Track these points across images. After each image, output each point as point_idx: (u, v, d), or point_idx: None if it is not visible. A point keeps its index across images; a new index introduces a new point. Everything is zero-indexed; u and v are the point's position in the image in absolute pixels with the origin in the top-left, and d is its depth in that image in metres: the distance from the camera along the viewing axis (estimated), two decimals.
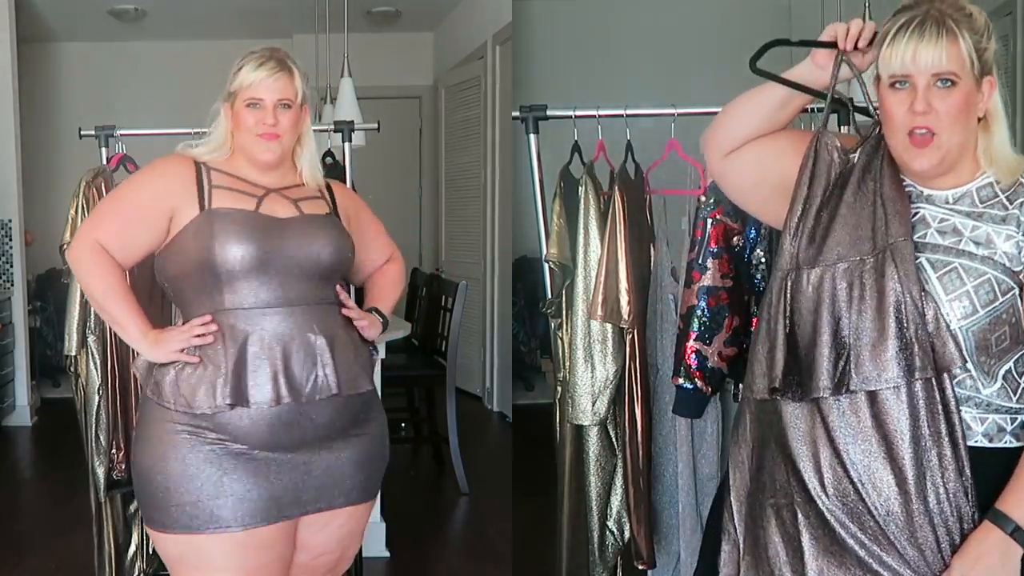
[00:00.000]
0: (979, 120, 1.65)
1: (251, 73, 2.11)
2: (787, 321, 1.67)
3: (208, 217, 2.03)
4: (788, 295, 1.68)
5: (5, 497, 4.72)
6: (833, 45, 1.72)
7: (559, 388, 2.66)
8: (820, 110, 2.67)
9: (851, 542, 1.61)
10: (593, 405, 2.52)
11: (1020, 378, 1.62)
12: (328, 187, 2.26)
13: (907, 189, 1.69)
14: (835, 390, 1.61)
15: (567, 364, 2.58)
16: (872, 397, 1.60)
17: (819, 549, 1.64)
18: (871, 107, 1.72)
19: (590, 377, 2.51)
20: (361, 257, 2.27)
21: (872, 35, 1.69)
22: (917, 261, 1.61)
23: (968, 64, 1.60)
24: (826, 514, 1.63)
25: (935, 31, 1.59)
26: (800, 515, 1.65)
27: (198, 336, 2.00)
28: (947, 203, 1.66)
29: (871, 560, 1.60)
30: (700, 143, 1.86)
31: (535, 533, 3.57)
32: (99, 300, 2.10)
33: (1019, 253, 1.61)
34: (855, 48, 1.70)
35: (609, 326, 2.48)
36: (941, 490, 1.58)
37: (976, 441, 1.61)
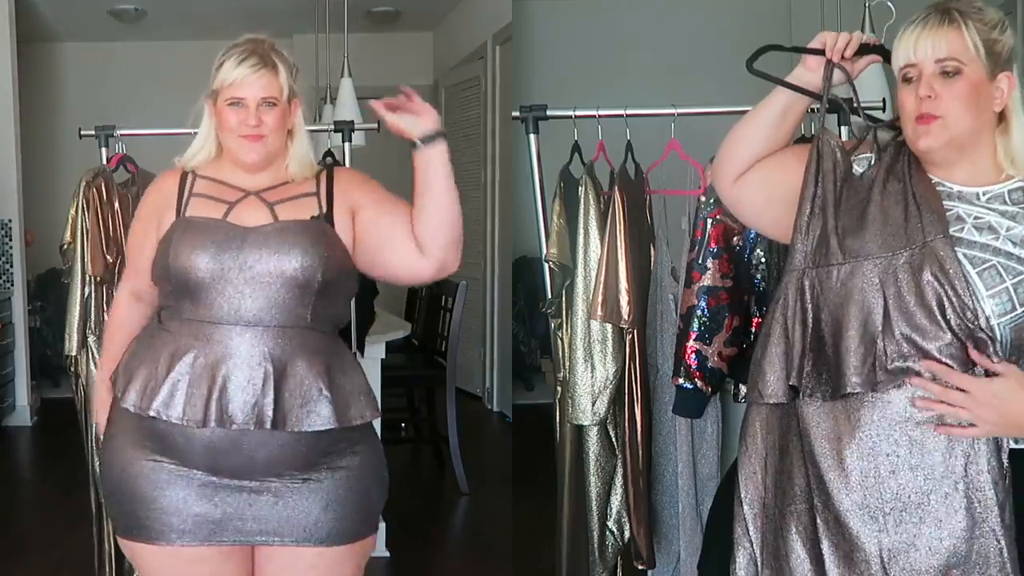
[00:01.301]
0: (1000, 119, 1.66)
1: (232, 70, 1.96)
2: (808, 319, 1.66)
3: (177, 225, 1.96)
4: (808, 293, 1.67)
5: (5, 497, 4.72)
6: (823, 52, 1.74)
7: (559, 388, 2.66)
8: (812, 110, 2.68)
9: (870, 545, 1.60)
10: (593, 405, 2.52)
11: None
12: (331, 176, 2.06)
13: (938, 188, 1.68)
14: (864, 385, 1.60)
15: (567, 364, 2.58)
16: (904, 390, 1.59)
17: (839, 556, 1.63)
18: (860, 111, 1.75)
19: (590, 377, 2.51)
20: (395, 239, 1.99)
21: (859, 46, 1.72)
22: (956, 256, 1.60)
23: (972, 52, 1.61)
24: (847, 516, 1.61)
25: (937, 20, 1.62)
26: (819, 520, 1.64)
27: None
28: (979, 200, 1.66)
29: (889, 562, 1.59)
30: (711, 173, 1.86)
31: (535, 533, 3.57)
32: (105, 337, 2.19)
33: None
34: (842, 58, 1.72)
35: (609, 326, 2.48)
36: (980, 478, 1.57)
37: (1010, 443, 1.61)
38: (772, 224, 1.82)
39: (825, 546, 1.64)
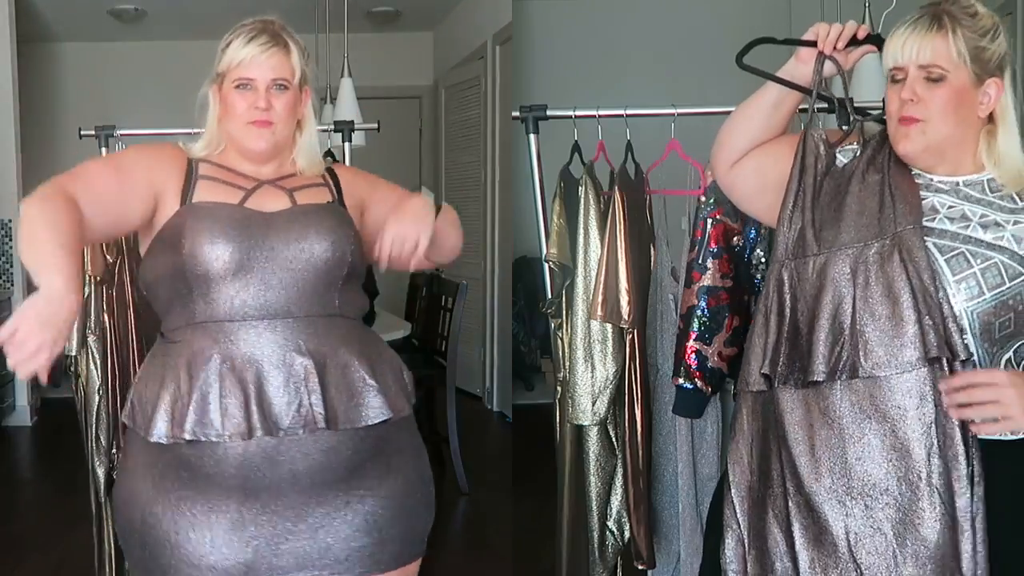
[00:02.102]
0: (989, 121, 1.67)
1: (240, 49, 1.80)
2: (786, 310, 1.69)
3: (185, 212, 1.76)
4: (786, 283, 1.70)
5: (5, 497, 4.72)
6: (815, 44, 1.75)
7: (559, 388, 2.66)
8: (805, 110, 2.67)
9: (837, 528, 1.62)
10: (593, 405, 2.51)
11: (1019, 367, 1.65)
12: (333, 173, 1.96)
13: (917, 179, 1.71)
14: (829, 375, 1.62)
15: (567, 364, 2.58)
16: (875, 380, 1.60)
17: (808, 538, 1.65)
18: (848, 105, 1.77)
19: (590, 377, 2.51)
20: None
21: (852, 36, 1.74)
22: (925, 245, 1.62)
23: (957, 59, 1.61)
24: (816, 499, 1.64)
25: (926, 24, 1.62)
26: (791, 503, 1.67)
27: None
28: (957, 187, 1.68)
29: (855, 545, 1.61)
30: (709, 158, 1.89)
31: (535, 533, 3.57)
32: (27, 230, 1.56)
33: None
34: (835, 49, 1.74)
35: (609, 326, 2.48)
36: (948, 467, 1.58)
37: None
38: (766, 210, 1.84)
39: (796, 528, 1.66)
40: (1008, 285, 1.60)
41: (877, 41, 1.76)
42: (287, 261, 1.73)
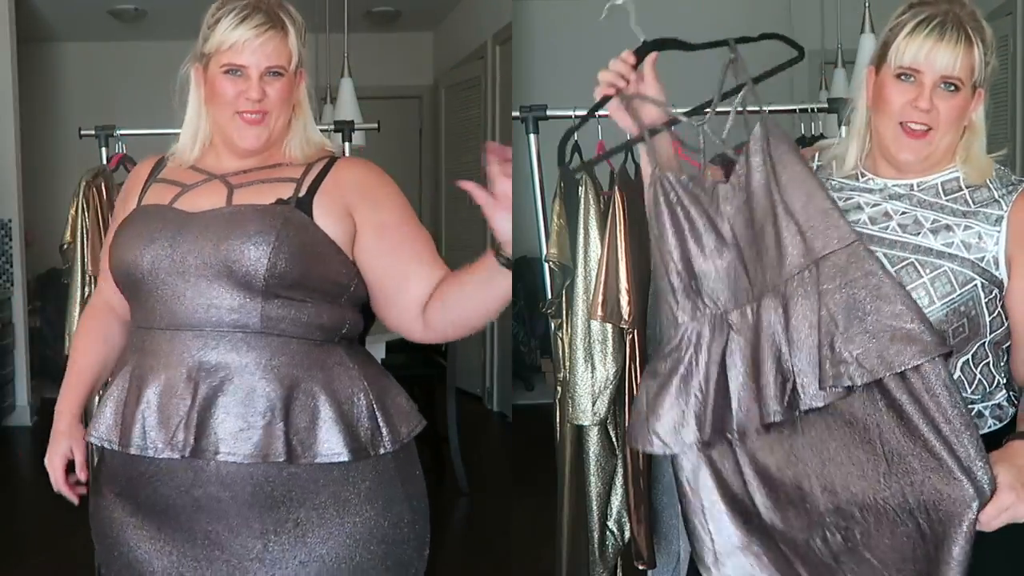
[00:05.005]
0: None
1: (231, 31, 1.60)
2: (713, 370, 1.59)
3: (126, 218, 1.69)
4: (708, 346, 1.60)
5: (5, 497, 4.72)
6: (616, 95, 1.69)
7: (559, 388, 2.65)
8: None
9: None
10: (593, 405, 2.51)
11: (976, 369, 1.64)
12: (330, 165, 1.70)
13: (867, 183, 1.69)
14: (785, 413, 1.54)
15: (567, 364, 2.58)
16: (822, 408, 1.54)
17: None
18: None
19: (590, 377, 2.51)
20: (394, 290, 1.63)
21: (630, 63, 1.72)
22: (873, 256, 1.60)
23: (972, 73, 1.61)
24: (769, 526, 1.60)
25: (955, 35, 1.59)
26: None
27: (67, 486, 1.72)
28: (912, 191, 1.67)
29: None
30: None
31: (535, 533, 3.57)
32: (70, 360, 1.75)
33: (978, 241, 1.61)
34: (634, 69, 1.70)
35: (609, 326, 2.48)
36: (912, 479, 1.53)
37: None
38: None
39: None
40: (959, 292, 1.60)
41: (650, 47, 1.70)
42: (195, 268, 1.55)
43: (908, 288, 1.57)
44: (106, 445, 1.61)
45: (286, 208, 1.60)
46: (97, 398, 1.76)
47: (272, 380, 1.55)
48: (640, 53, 1.70)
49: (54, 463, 1.71)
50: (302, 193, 1.63)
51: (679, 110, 1.77)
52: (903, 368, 1.47)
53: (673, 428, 1.60)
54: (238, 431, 1.53)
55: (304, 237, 1.58)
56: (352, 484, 1.61)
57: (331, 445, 1.57)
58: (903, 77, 1.63)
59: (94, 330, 1.77)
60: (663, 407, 1.61)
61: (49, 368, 6.70)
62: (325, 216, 1.63)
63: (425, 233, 1.70)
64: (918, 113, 1.61)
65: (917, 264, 1.61)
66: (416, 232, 1.69)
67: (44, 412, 6.32)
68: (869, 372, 1.48)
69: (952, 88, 1.61)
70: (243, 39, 1.60)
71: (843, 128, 2.27)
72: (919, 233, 1.63)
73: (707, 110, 1.71)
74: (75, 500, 1.73)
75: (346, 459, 1.58)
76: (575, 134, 2.10)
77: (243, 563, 1.58)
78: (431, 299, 1.62)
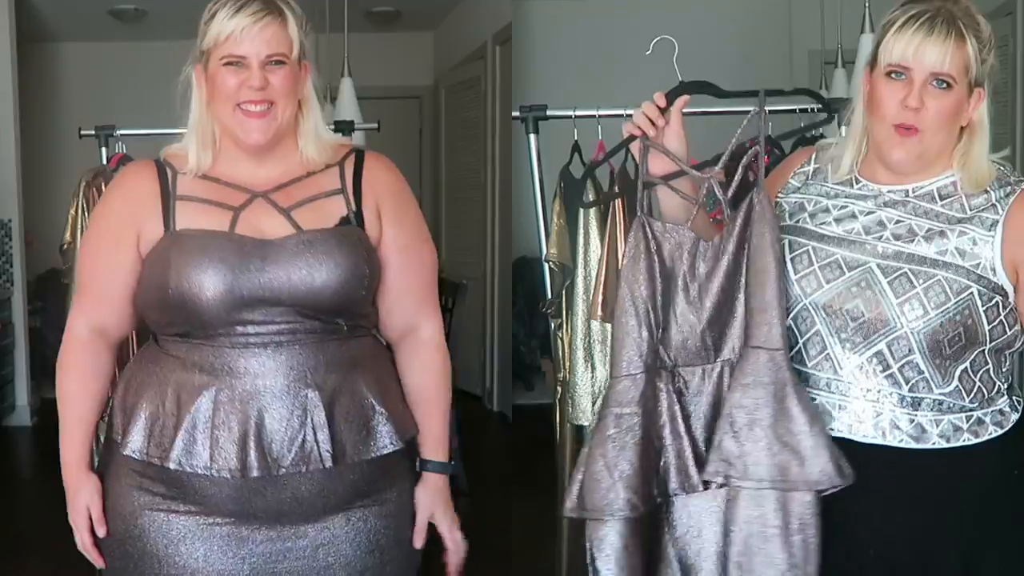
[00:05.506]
0: (961, 128, 1.64)
1: (228, 21, 1.55)
2: (681, 424, 1.63)
3: (169, 241, 1.59)
4: (677, 397, 1.64)
5: (5, 497, 4.72)
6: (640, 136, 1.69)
7: (559, 388, 2.66)
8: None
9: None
10: (593, 405, 2.51)
11: (975, 377, 1.62)
12: (360, 162, 1.70)
13: (862, 190, 1.68)
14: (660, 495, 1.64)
15: (567, 364, 2.58)
16: None
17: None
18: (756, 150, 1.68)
19: (590, 377, 2.51)
20: (387, 300, 1.71)
21: (665, 101, 1.72)
22: (867, 266, 1.60)
23: (966, 71, 1.58)
24: None
25: (944, 30, 1.56)
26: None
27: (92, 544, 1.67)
28: (907, 197, 1.65)
29: None
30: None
31: (535, 533, 3.56)
32: (60, 402, 1.68)
33: (972, 247, 1.59)
34: (661, 112, 1.71)
35: (609, 326, 2.48)
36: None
37: (933, 443, 1.60)
38: None
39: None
40: (954, 301, 1.57)
41: (682, 90, 1.72)
42: (292, 297, 1.56)
43: (900, 300, 1.57)
44: (228, 476, 1.56)
45: (356, 231, 1.64)
46: (159, 426, 1.60)
47: (365, 380, 1.65)
48: (672, 95, 1.71)
49: (78, 523, 1.69)
50: (354, 208, 1.66)
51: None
52: (781, 489, 1.53)
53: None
54: (359, 433, 1.61)
55: (373, 256, 1.66)
56: (413, 450, 1.75)
57: (408, 424, 1.71)
58: (893, 75, 1.59)
59: (86, 368, 1.68)
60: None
61: (49, 368, 6.67)
62: (369, 225, 1.68)
63: (432, 255, 1.77)
64: (907, 113, 1.58)
65: (911, 274, 1.58)
66: (425, 257, 1.76)
67: (44, 412, 6.31)
68: (748, 479, 1.54)
69: (944, 85, 1.57)
70: (240, 27, 1.55)
71: (843, 128, 2.27)
72: (913, 241, 1.61)
73: (715, 166, 1.73)
74: (101, 564, 1.70)
75: (415, 432, 1.73)
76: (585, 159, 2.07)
77: (341, 533, 1.66)
78: (406, 340, 1.75)
